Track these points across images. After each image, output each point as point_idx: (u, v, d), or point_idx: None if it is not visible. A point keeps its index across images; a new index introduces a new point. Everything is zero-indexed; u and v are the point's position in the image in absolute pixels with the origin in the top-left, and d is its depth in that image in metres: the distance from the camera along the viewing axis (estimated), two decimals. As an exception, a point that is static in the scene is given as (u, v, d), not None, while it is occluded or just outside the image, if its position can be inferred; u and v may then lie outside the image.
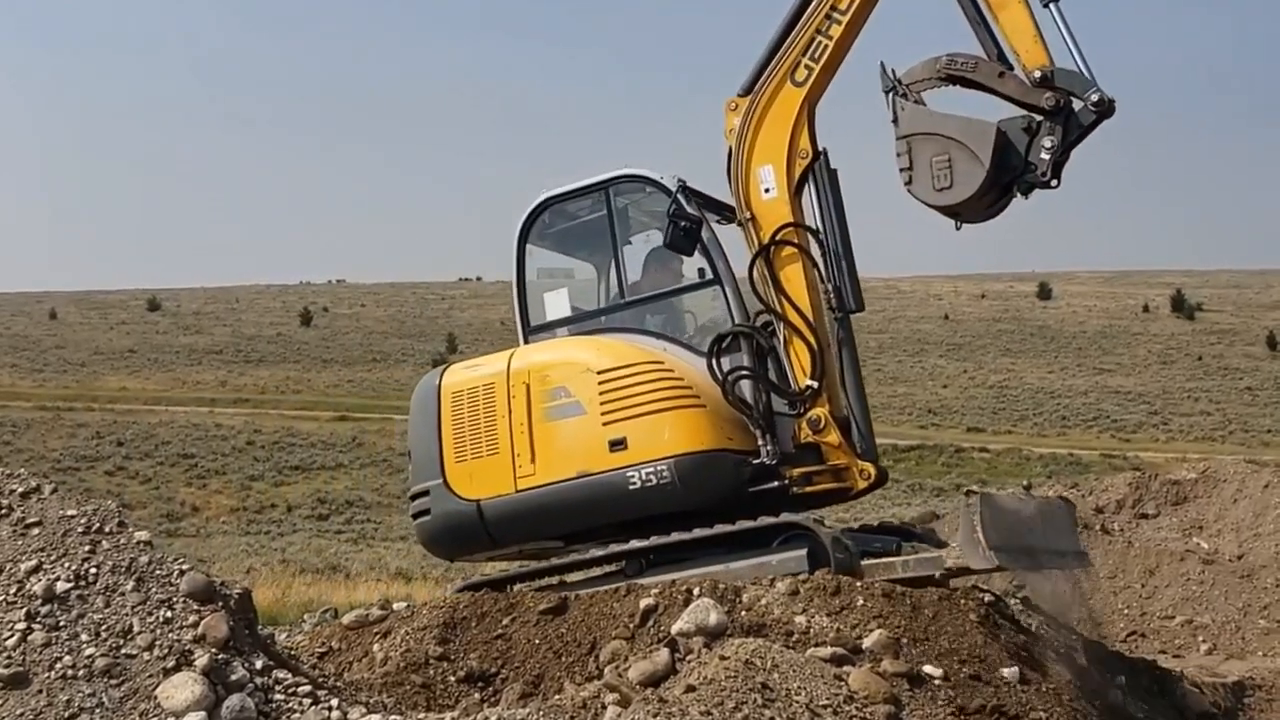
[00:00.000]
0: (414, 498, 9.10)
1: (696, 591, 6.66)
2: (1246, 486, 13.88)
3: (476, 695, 6.61)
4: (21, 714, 4.91)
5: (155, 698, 5.00)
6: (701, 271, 8.99)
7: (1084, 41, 8.29)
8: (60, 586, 5.36)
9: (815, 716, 5.24)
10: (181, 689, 5.00)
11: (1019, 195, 8.46)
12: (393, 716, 5.52)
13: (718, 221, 9.28)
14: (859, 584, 6.76)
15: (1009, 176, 8.34)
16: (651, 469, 8.33)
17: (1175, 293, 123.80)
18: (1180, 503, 14.19)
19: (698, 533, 8.11)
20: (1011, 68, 8.41)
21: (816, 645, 5.95)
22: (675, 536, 8.19)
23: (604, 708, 5.39)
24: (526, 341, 9.47)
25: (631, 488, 8.37)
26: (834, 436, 8.64)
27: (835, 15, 8.88)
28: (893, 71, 8.72)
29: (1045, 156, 8.20)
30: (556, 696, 5.82)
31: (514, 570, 9.12)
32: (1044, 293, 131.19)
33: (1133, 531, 13.46)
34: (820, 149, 8.99)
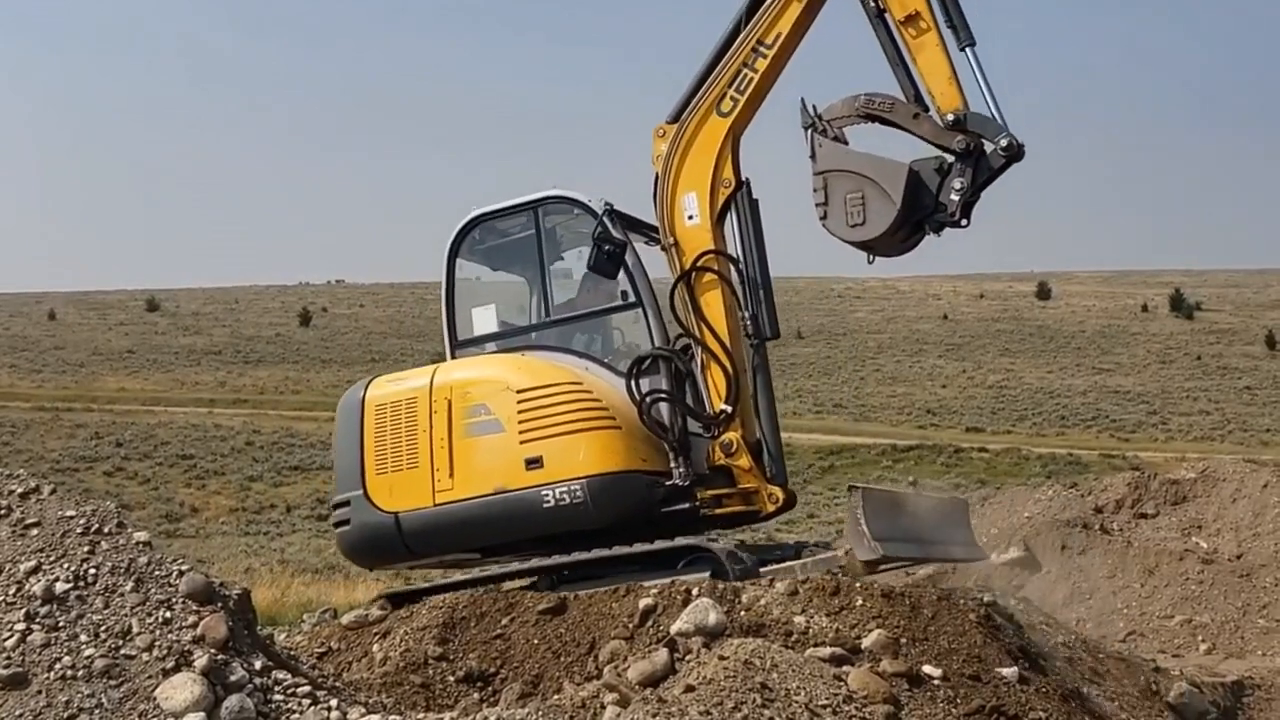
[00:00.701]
0: (335, 507, 9.33)
1: (695, 591, 6.66)
2: (1245, 486, 13.88)
3: (475, 695, 6.61)
4: (21, 714, 4.91)
5: (154, 698, 5.00)
6: (625, 294, 9.22)
7: (1000, 86, 8.56)
8: (59, 587, 5.36)
9: (814, 716, 5.24)
10: (181, 689, 5.00)
11: (931, 233, 8.68)
12: (392, 717, 5.52)
13: (646, 243, 9.48)
14: (858, 584, 6.78)
15: (920, 215, 8.58)
16: (565, 488, 8.59)
17: (1174, 292, 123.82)
18: (1179, 502, 14.18)
19: (598, 552, 8.43)
20: (927, 109, 8.62)
21: (816, 645, 5.95)
22: (580, 555, 8.53)
23: (603, 707, 5.39)
24: (454, 355, 9.73)
25: (545, 505, 8.64)
26: (745, 460, 8.89)
27: (761, 49, 9.10)
28: (814, 108, 8.94)
29: (955, 198, 8.42)
30: (555, 696, 5.82)
31: (437, 582, 9.32)
32: (1043, 293, 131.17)
33: (1132, 531, 13.46)
34: (743, 179, 9.22)
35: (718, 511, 8.90)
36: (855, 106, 8.84)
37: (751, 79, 9.12)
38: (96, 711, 4.96)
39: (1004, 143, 8.31)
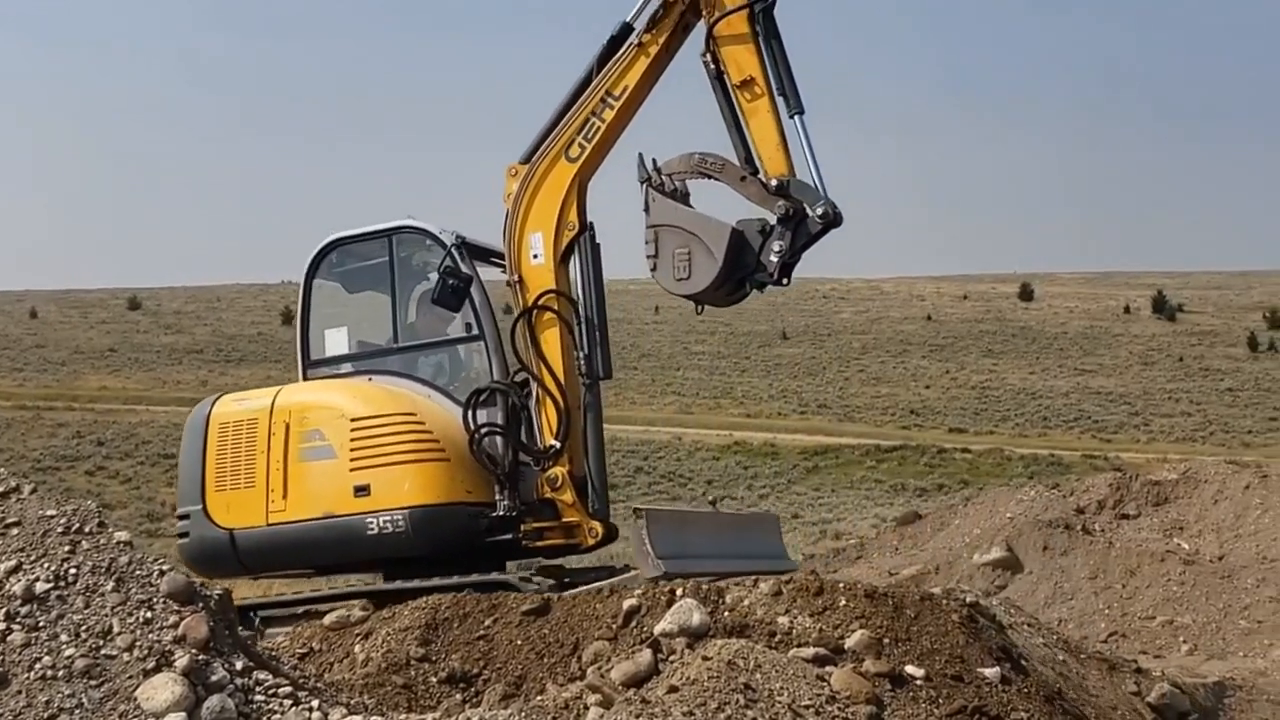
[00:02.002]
0: (178, 519, 9.69)
1: (679, 592, 6.66)
2: (1227, 487, 13.95)
3: (458, 696, 6.60)
4: (0, 715, 4.89)
5: (135, 699, 4.98)
6: (469, 326, 9.60)
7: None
8: (40, 587, 5.33)
9: (798, 716, 5.24)
10: (161, 690, 4.97)
11: (755, 289, 9.11)
12: (374, 718, 5.50)
13: (502, 271, 9.82)
14: (841, 584, 6.79)
15: (742, 273, 8.99)
16: (389, 517, 8.98)
17: (1156, 294, 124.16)
18: (1161, 503, 14.24)
19: (399, 584, 8.91)
20: (757, 171, 8.97)
21: (799, 646, 5.96)
22: (382, 585, 9.13)
23: (586, 708, 5.39)
24: (305, 375, 10.07)
25: (370, 533, 9.03)
26: (569, 495, 9.27)
27: (609, 100, 9.43)
28: (653, 162, 9.26)
29: (774, 259, 8.84)
30: (539, 697, 5.82)
31: (267, 599, 9.97)
32: (1026, 294, 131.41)
33: (1114, 532, 13.51)
34: (588, 223, 9.56)
35: (539, 544, 9.28)
36: (690, 164, 9.23)
37: (599, 128, 9.46)
38: (77, 712, 4.94)
39: (820, 211, 8.70)
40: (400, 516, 8.97)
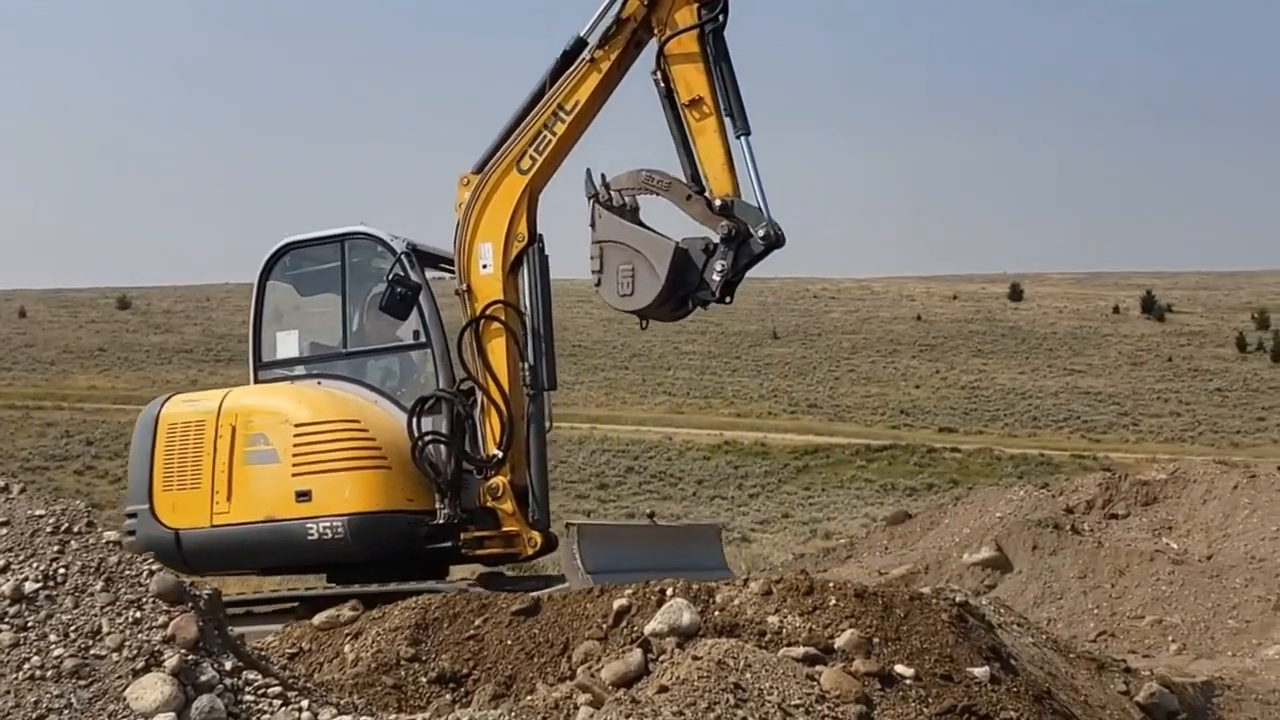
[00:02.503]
0: (127, 516, 9.80)
1: (670, 592, 6.66)
2: (1216, 487, 13.97)
3: (448, 696, 6.60)
4: (-11, 715, 4.88)
5: (124, 699, 4.97)
6: (417, 334, 9.72)
7: None
8: (28, 587, 5.32)
9: (787, 716, 5.25)
10: (151, 690, 4.97)
11: (697, 307, 9.26)
12: (364, 718, 5.50)
13: (451, 276, 9.94)
14: (831, 584, 6.79)
15: (685, 291, 9.12)
16: (329, 523, 9.10)
17: (1145, 294, 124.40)
18: (1150, 503, 14.26)
19: (328, 589, 9.18)
20: (702, 190, 9.09)
21: (789, 645, 5.96)
22: (314, 590, 9.33)
23: (576, 708, 5.39)
24: (256, 377, 10.22)
25: (309, 538, 9.15)
26: (509, 505, 9.37)
27: (561, 113, 9.54)
28: (602, 177, 9.38)
29: (716, 278, 8.98)
30: (529, 697, 5.82)
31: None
32: (1015, 294, 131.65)
33: (1103, 532, 13.52)
34: (537, 234, 9.68)
35: (478, 552, 9.41)
36: (638, 180, 9.35)
37: (550, 141, 9.56)
38: (66, 712, 4.93)
39: (762, 232, 8.85)
40: (340, 523, 9.09)
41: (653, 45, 9.43)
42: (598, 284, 9.30)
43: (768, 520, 42.18)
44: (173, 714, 4.93)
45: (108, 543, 5.62)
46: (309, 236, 10.27)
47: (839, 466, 59.98)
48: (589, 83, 9.49)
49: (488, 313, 9.53)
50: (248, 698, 5.21)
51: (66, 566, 5.44)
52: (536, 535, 9.34)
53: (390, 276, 9.50)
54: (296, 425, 9.34)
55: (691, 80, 9.16)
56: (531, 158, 9.58)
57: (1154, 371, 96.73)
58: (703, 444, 64.12)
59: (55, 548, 5.53)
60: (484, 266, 9.64)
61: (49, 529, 5.61)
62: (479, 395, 9.50)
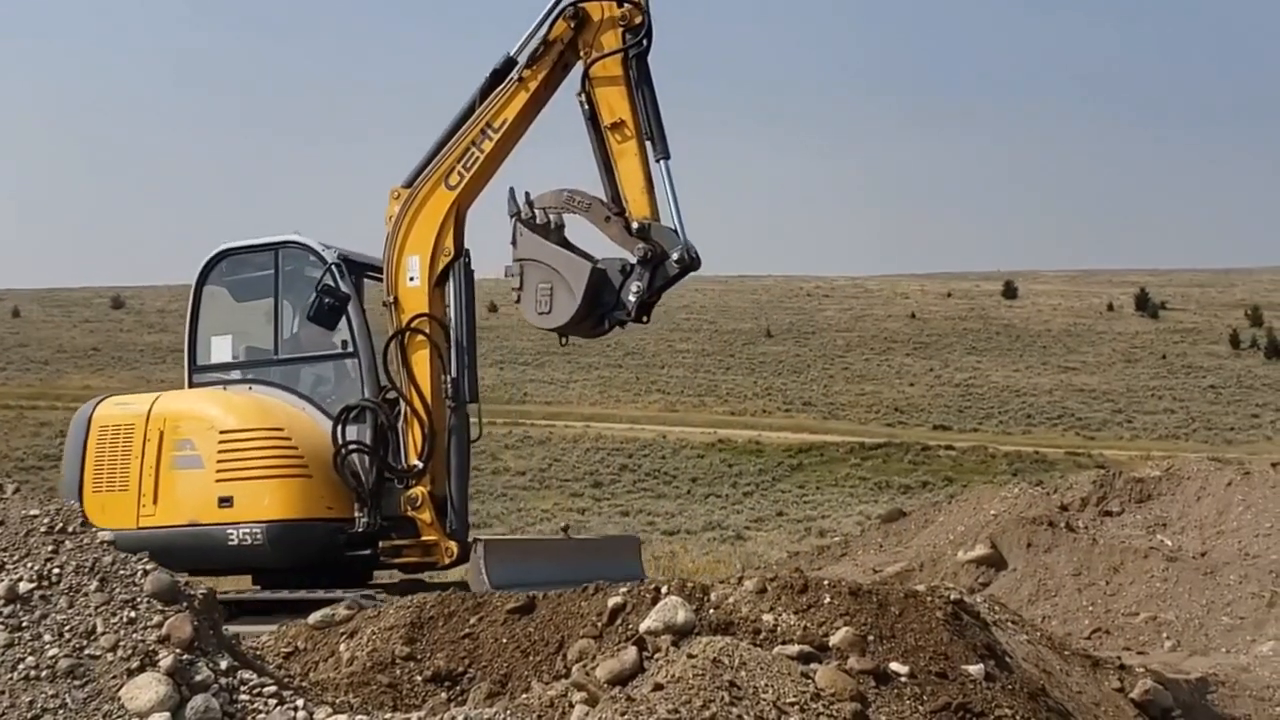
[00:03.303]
0: None
1: (664, 590, 6.66)
2: (1210, 484, 13.98)
3: (443, 695, 6.59)
4: (-17, 716, 4.87)
5: (119, 699, 4.96)
6: (345, 343, 9.91)
7: None
8: (23, 587, 5.31)
9: (782, 714, 5.25)
10: (145, 690, 4.96)
11: (615, 326, 9.46)
12: (359, 717, 5.50)
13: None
14: (826, 582, 6.79)
15: (602, 310, 9.34)
16: (248, 529, 9.29)
17: (1139, 292, 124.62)
18: (1144, 500, 14.27)
19: (250, 593, 9.43)
20: (622, 212, 9.26)
21: (784, 643, 5.96)
22: (237, 595, 9.51)
23: (571, 706, 5.38)
24: (191, 380, 10.41)
25: (230, 544, 9.34)
26: (428, 515, 9.58)
27: (489, 131, 9.71)
28: (526, 195, 9.53)
29: (632, 299, 9.19)
30: (524, 695, 5.81)
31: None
32: (1009, 292, 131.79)
33: (1097, 529, 13.53)
34: (464, 249, 9.87)
35: (396, 560, 9.63)
36: (560, 199, 9.54)
37: (478, 158, 9.73)
38: (60, 712, 4.92)
39: (676, 255, 9.03)
40: (259, 530, 9.26)
41: (580, 67, 9.60)
42: (517, 300, 9.49)
43: (762, 518, 42.17)
44: (168, 714, 4.93)
45: (102, 543, 5.62)
46: (245, 244, 10.47)
47: (833, 464, 60.00)
48: (516, 102, 9.67)
49: (413, 325, 9.73)
50: (243, 697, 5.21)
51: (61, 566, 5.44)
52: (453, 545, 9.52)
53: (319, 286, 9.72)
54: (221, 432, 9.51)
55: (614, 103, 9.33)
56: (459, 174, 9.76)
57: (1148, 369, 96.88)
58: (697, 442, 64.12)
59: (49, 548, 5.52)
60: (411, 279, 9.84)
61: (43, 529, 5.61)
62: (402, 406, 9.69)
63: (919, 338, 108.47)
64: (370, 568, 9.85)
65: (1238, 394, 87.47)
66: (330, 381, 10.28)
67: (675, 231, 9.07)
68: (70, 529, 5.64)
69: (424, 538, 9.57)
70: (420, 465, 9.59)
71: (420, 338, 9.73)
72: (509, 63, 9.71)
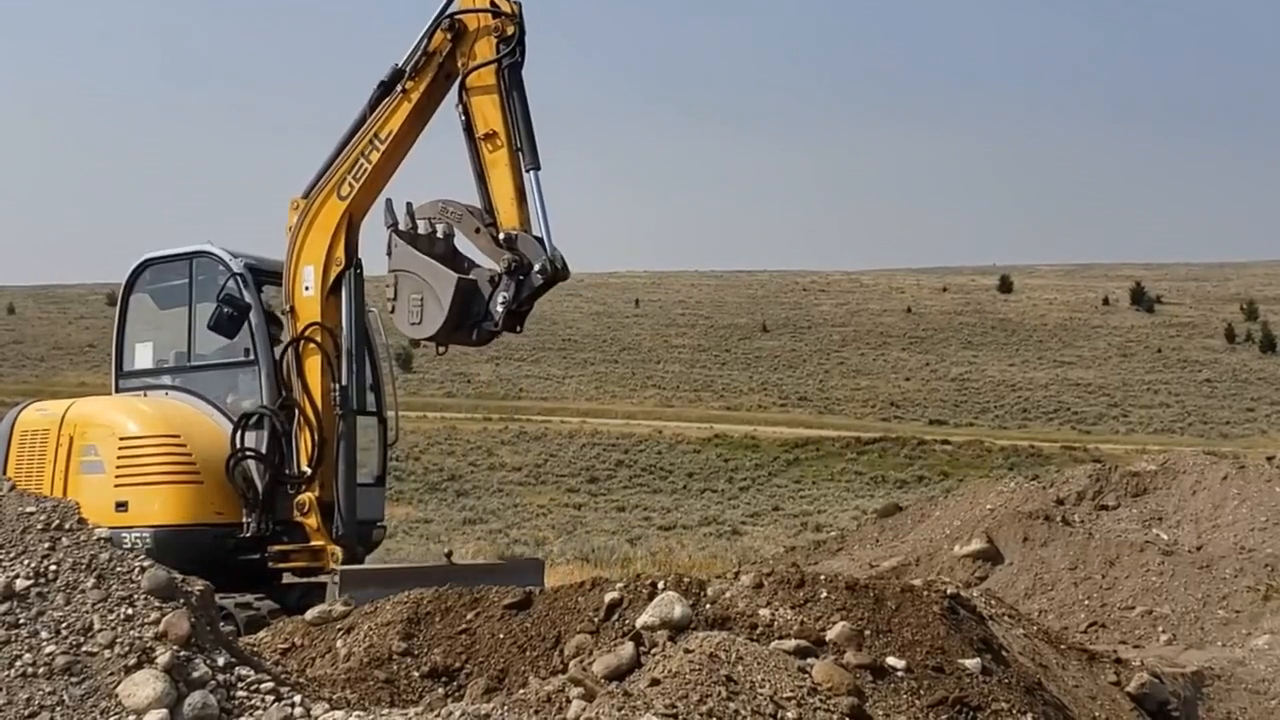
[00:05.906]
0: None
1: (661, 585, 6.67)
2: (1205, 478, 14.00)
3: (440, 690, 6.59)
4: (-19, 712, 4.87)
5: (116, 695, 4.96)
6: (247, 351, 10.12)
7: None
8: (20, 584, 5.31)
9: (779, 708, 5.25)
10: (143, 686, 4.96)
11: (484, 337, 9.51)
12: (356, 713, 5.50)
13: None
14: (822, 577, 6.80)
15: (471, 321, 9.39)
16: (139, 534, 9.43)
17: (1135, 286, 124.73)
18: (1140, 494, 14.29)
19: None
20: (494, 223, 9.35)
21: (780, 638, 5.96)
22: None
23: (568, 701, 5.39)
24: (117, 386, 10.68)
25: (124, 548, 9.24)
26: (314, 520, 9.74)
27: (376, 142, 9.85)
28: (408, 205, 9.67)
29: (499, 309, 9.25)
30: (521, 691, 5.81)
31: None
32: (1005, 286, 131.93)
33: (1093, 523, 13.55)
34: (356, 259, 10.02)
35: (283, 565, 9.79)
36: (435, 210, 9.65)
37: (366, 169, 9.86)
38: (58, 709, 4.92)
39: (538, 266, 9.11)
40: (147, 534, 9.43)
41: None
42: (391, 310, 9.60)
43: (758, 513, 42.19)
44: (165, 710, 4.93)
45: (99, 540, 5.62)
46: (165, 253, 10.72)
47: (829, 459, 60.02)
48: (400, 113, 9.78)
49: (306, 334, 9.88)
50: (240, 693, 5.21)
51: (58, 563, 5.44)
52: (338, 550, 9.63)
53: (221, 295, 9.90)
54: (121, 439, 9.75)
55: (487, 114, 9.41)
56: (350, 184, 9.86)
57: (1143, 363, 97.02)
58: (693, 437, 64.15)
59: (46, 545, 5.52)
60: (306, 289, 9.97)
61: (40, 526, 5.60)
62: (296, 413, 9.85)
63: (914, 332, 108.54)
64: (263, 573, 9.94)
65: (1233, 388, 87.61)
66: (237, 389, 10.44)
67: (542, 242, 9.14)
68: (67, 526, 5.64)
69: (312, 543, 9.73)
70: (309, 471, 9.76)
71: (313, 346, 9.89)
72: (396, 74, 9.79)
